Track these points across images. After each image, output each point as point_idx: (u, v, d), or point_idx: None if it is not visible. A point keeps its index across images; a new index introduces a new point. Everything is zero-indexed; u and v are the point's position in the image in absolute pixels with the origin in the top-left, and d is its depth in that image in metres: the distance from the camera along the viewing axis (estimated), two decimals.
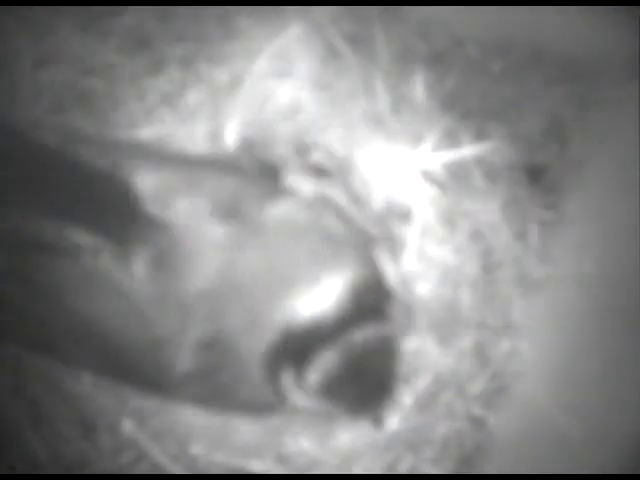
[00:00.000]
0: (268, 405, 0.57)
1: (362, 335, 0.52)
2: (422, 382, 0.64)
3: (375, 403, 0.56)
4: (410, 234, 0.65)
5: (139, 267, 0.52)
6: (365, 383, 0.53)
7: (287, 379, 0.53)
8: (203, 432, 0.62)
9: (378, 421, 0.58)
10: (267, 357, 0.52)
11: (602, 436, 0.55)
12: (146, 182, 0.54)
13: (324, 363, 0.52)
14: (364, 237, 0.58)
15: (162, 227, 0.53)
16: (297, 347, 0.52)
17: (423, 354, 0.64)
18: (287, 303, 0.52)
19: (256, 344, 0.52)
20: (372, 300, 0.54)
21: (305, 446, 0.62)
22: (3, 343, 0.60)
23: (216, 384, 0.55)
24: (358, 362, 0.52)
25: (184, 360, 0.53)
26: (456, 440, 0.64)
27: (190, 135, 0.64)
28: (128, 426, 0.61)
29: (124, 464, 0.61)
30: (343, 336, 0.52)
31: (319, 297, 0.52)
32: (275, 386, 0.54)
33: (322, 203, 0.57)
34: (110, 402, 0.61)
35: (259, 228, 0.53)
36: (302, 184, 0.57)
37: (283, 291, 0.52)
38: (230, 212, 0.54)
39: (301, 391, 0.53)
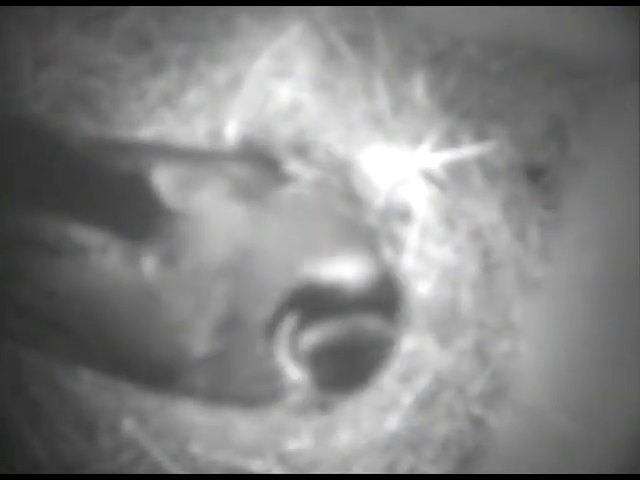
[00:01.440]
0: (267, 393, 0.57)
1: (369, 324, 0.53)
2: (422, 382, 0.64)
3: (345, 391, 0.56)
4: (410, 234, 0.65)
5: (149, 260, 0.52)
6: (350, 368, 0.54)
7: (287, 328, 0.53)
8: (203, 432, 0.62)
9: (325, 407, 0.58)
10: (276, 306, 0.53)
11: (601, 436, 0.55)
12: (164, 176, 0.54)
13: (325, 330, 0.53)
14: (370, 225, 0.58)
15: (179, 217, 0.53)
16: (310, 302, 0.53)
17: (423, 354, 0.64)
18: (308, 265, 0.53)
19: (266, 305, 0.53)
20: (386, 295, 0.55)
21: (305, 446, 0.63)
22: (5, 342, 0.60)
23: (226, 367, 0.55)
24: (354, 346, 0.53)
25: (200, 344, 0.53)
26: (456, 440, 0.64)
27: (190, 134, 0.64)
28: (128, 426, 0.61)
29: (124, 464, 0.61)
30: (353, 315, 0.53)
31: (344, 267, 0.53)
32: (272, 336, 0.54)
33: (327, 187, 0.57)
34: (110, 402, 0.62)
35: (274, 207, 0.54)
36: (304, 173, 0.57)
37: (302, 258, 0.53)
38: (246, 193, 0.54)
39: (293, 347, 0.53)
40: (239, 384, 0.56)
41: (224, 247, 0.53)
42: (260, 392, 0.57)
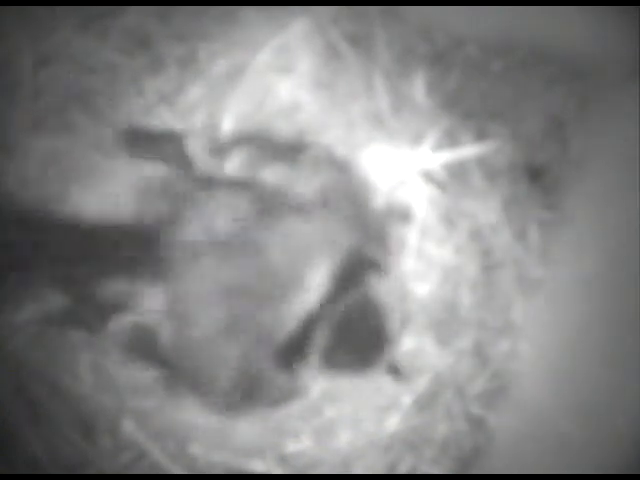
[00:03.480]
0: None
1: (344, 302, 0.54)
2: (422, 382, 0.64)
3: (378, 351, 0.56)
4: (410, 234, 0.65)
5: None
6: (359, 338, 0.55)
7: (299, 369, 0.55)
8: (203, 432, 0.62)
9: (393, 369, 0.58)
10: (279, 357, 0.54)
11: (602, 436, 0.55)
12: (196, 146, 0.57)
13: (318, 341, 0.54)
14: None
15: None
16: (296, 340, 0.54)
17: (423, 354, 0.64)
18: (281, 308, 0.54)
19: (268, 350, 0.54)
20: (351, 274, 0.55)
21: (305, 446, 0.63)
22: None
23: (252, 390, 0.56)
24: (346, 325, 0.54)
25: (223, 374, 0.55)
26: (456, 440, 0.64)
27: (189, 131, 0.64)
28: (128, 426, 0.61)
29: (124, 464, 0.61)
30: (328, 312, 0.54)
31: (305, 291, 0.54)
32: (291, 379, 0.56)
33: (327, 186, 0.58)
34: (110, 402, 0.62)
35: (280, 216, 0.55)
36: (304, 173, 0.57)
37: (278, 298, 0.54)
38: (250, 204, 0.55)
39: (310, 372, 0.55)
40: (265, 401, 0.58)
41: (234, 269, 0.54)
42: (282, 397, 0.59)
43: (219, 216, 0.54)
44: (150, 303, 0.54)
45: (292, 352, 0.54)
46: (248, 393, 0.56)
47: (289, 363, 0.55)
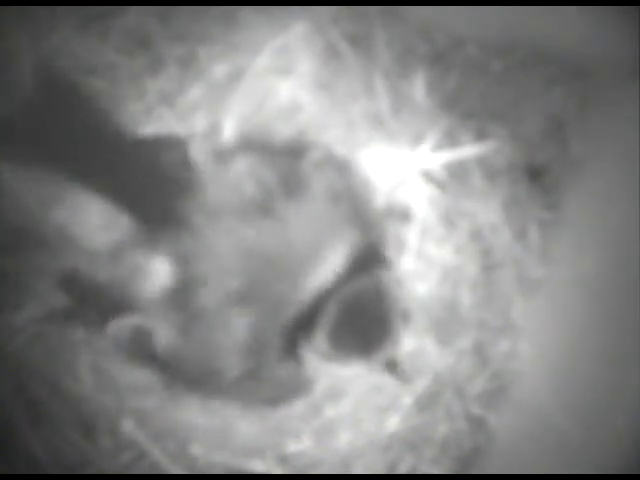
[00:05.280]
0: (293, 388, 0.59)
1: (354, 286, 0.54)
2: (422, 382, 0.64)
3: (380, 341, 0.56)
4: (410, 234, 0.65)
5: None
6: (364, 323, 0.55)
7: (303, 347, 0.55)
8: (203, 432, 0.62)
9: (392, 366, 0.58)
10: (287, 333, 0.54)
11: (602, 436, 0.55)
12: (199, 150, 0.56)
13: (326, 320, 0.54)
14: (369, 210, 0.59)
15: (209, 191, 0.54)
16: (306, 317, 0.54)
17: (423, 354, 0.64)
18: (295, 282, 0.54)
19: (277, 323, 0.54)
20: (363, 262, 0.55)
21: (305, 446, 0.63)
22: None
23: (257, 381, 0.56)
24: (353, 307, 0.54)
25: (232, 366, 0.54)
26: (456, 440, 0.64)
27: (189, 132, 0.64)
28: (128, 426, 0.61)
29: (124, 464, 0.61)
30: (338, 292, 0.54)
31: (322, 269, 0.54)
32: (294, 357, 0.56)
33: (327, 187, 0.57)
34: (110, 402, 0.62)
35: (280, 216, 0.55)
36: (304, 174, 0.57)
37: (293, 271, 0.54)
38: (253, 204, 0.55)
39: (315, 353, 0.55)
40: (271, 392, 0.58)
41: (237, 271, 0.53)
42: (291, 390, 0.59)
43: (243, 180, 0.54)
44: (164, 262, 0.53)
45: (299, 328, 0.54)
46: (252, 378, 0.55)
47: (295, 340, 0.54)
